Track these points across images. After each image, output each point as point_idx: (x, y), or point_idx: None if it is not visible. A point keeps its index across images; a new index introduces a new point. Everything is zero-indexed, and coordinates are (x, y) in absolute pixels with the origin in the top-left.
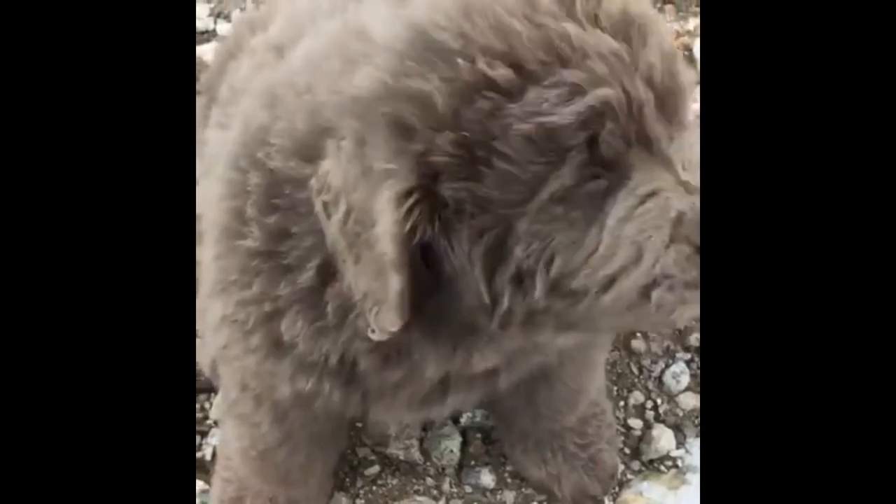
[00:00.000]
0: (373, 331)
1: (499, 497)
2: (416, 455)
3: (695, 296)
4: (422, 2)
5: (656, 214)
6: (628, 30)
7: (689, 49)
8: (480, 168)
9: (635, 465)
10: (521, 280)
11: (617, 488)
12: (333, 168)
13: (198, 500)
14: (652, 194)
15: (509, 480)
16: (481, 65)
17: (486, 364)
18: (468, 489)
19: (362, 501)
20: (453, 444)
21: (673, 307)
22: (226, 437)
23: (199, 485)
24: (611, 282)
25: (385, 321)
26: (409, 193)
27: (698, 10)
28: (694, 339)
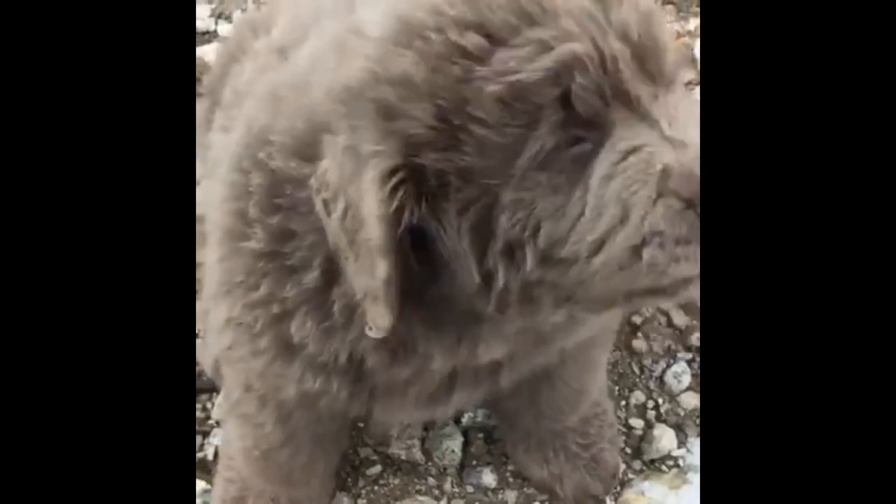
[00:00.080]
0: (370, 328)
1: (500, 497)
2: (418, 455)
3: (687, 252)
4: None
5: (640, 169)
6: None
7: (689, 49)
8: (459, 136)
9: (637, 464)
10: (512, 253)
11: (618, 488)
12: (331, 164)
13: (200, 500)
14: (634, 150)
15: (511, 480)
16: (452, 35)
17: (491, 355)
18: (470, 489)
19: (364, 501)
20: (455, 443)
21: (665, 265)
22: (228, 437)
23: (201, 485)
24: (600, 245)
25: (376, 315)
26: (393, 172)
27: (699, 10)
28: (695, 338)
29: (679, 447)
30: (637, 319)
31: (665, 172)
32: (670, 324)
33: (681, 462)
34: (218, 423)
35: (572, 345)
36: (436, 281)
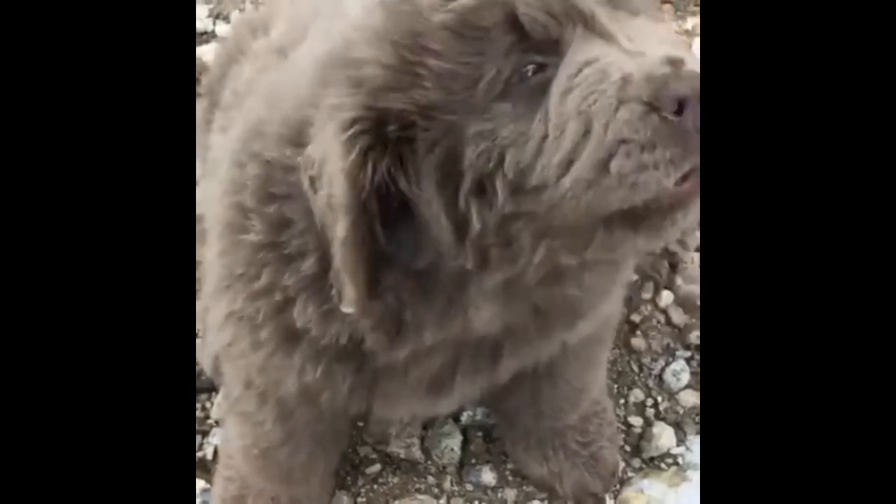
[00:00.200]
0: (342, 303)
1: (500, 495)
2: (417, 453)
3: (655, 157)
4: None
5: (598, 79)
6: None
7: (686, 48)
8: (418, 72)
9: (636, 462)
10: (483, 189)
11: (618, 486)
12: (316, 140)
13: (199, 500)
14: (590, 62)
15: (510, 478)
16: None
17: (482, 321)
18: (469, 487)
19: (363, 500)
20: (454, 442)
21: (635, 175)
22: (228, 435)
23: (201, 484)
24: (567, 164)
25: (343, 286)
26: (353, 123)
27: (696, 9)
28: (694, 336)
29: (678, 445)
30: (636, 318)
31: (624, 80)
32: (669, 322)
33: (680, 460)
34: (217, 423)
35: (574, 340)
36: (420, 250)
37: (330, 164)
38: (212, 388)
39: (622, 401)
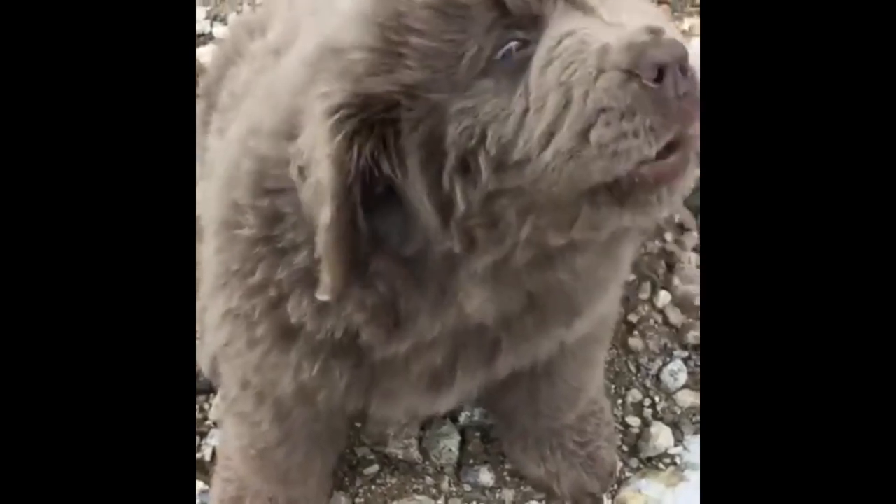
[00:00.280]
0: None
1: (498, 495)
2: (415, 454)
3: (635, 125)
4: None
5: (578, 49)
6: None
7: None
8: (402, 51)
9: (633, 462)
10: (467, 166)
11: (615, 486)
12: (305, 129)
13: (198, 501)
14: (570, 34)
15: (508, 479)
16: None
17: (475, 308)
18: (467, 488)
19: (361, 500)
20: (452, 442)
21: (615, 143)
22: (226, 436)
23: (199, 485)
24: (549, 137)
25: (323, 273)
26: (339, 108)
27: (694, 10)
28: (691, 336)
29: (676, 445)
30: (633, 318)
31: (604, 49)
32: (666, 322)
33: (677, 460)
34: (215, 424)
35: (572, 339)
36: (408, 236)
37: (317, 150)
38: (210, 390)
39: (620, 401)
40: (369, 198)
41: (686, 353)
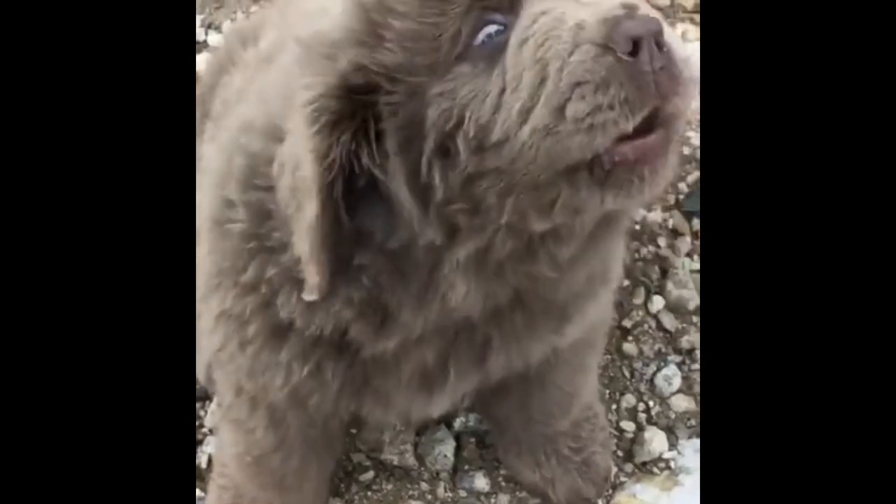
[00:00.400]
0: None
1: (493, 501)
2: (411, 460)
3: (610, 98)
4: None
5: (552, 26)
6: None
7: None
8: (383, 33)
9: (628, 467)
10: (446, 150)
11: (610, 491)
12: (288, 125)
13: None
14: (545, 12)
15: (503, 484)
16: None
17: (459, 298)
18: (462, 493)
19: None
20: (447, 448)
21: (591, 117)
22: (221, 443)
23: (196, 492)
24: (526, 115)
25: (307, 273)
26: (319, 97)
27: (686, 16)
28: (685, 341)
29: (670, 449)
30: (627, 323)
31: (579, 25)
32: (660, 327)
33: (672, 464)
34: (211, 431)
35: (564, 345)
36: (393, 230)
37: (298, 145)
38: (205, 397)
39: (614, 406)
40: (351, 193)
41: (680, 358)
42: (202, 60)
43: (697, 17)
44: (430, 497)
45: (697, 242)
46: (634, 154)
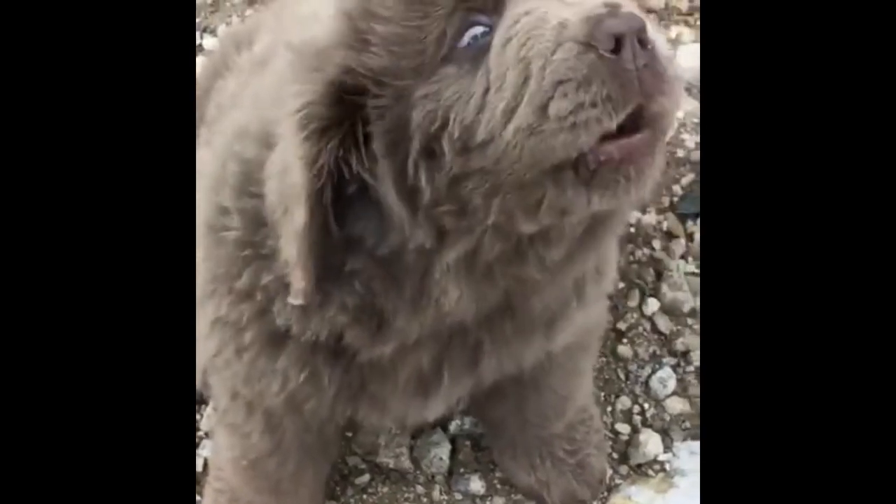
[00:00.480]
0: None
1: (488, 503)
2: (406, 463)
3: (593, 96)
4: None
5: (535, 25)
6: None
7: None
8: (368, 38)
9: (623, 469)
10: (432, 151)
11: (605, 493)
12: (279, 132)
13: None
14: (528, 12)
15: (499, 487)
16: None
17: (451, 303)
18: (458, 496)
19: None
20: (443, 451)
21: (573, 115)
22: (217, 447)
23: None
24: (510, 114)
25: (293, 280)
26: (308, 104)
27: (680, 18)
28: (679, 343)
29: (665, 451)
30: (622, 326)
31: (562, 24)
32: (655, 329)
33: (667, 466)
34: (207, 435)
35: (557, 349)
36: (384, 236)
37: (287, 151)
38: (201, 401)
39: (609, 408)
40: (341, 199)
41: (675, 360)
42: (198, 64)
43: (692, 20)
44: (425, 500)
45: (692, 245)
46: (620, 153)
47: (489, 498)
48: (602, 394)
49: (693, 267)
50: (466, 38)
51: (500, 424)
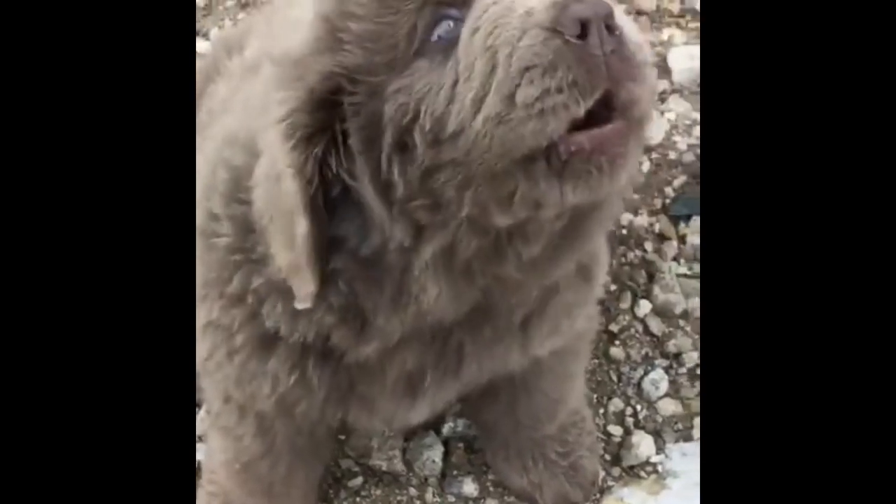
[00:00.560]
0: (297, 300)
1: None
2: (399, 465)
3: (558, 81)
4: None
5: (501, 14)
6: None
7: (663, 59)
8: (343, 37)
9: (616, 471)
10: (404, 145)
11: (598, 495)
12: (263, 140)
13: None
14: (496, 2)
15: (492, 489)
16: None
17: (431, 300)
18: (451, 498)
19: None
20: (435, 453)
21: (540, 102)
22: (210, 450)
23: None
24: (479, 104)
25: (300, 284)
26: (292, 112)
27: (672, 20)
28: (672, 345)
29: (657, 453)
30: (614, 327)
31: (528, 12)
32: (647, 331)
33: (659, 468)
34: (200, 438)
35: (544, 354)
36: (365, 236)
37: (276, 160)
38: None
39: (601, 410)
40: (326, 201)
41: (667, 362)
42: None
43: (684, 22)
44: (418, 502)
45: (684, 247)
46: (591, 143)
47: (482, 500)
48: (594, 396)
49: (685, 269)
50: (438, 32)
51: (492, 426)
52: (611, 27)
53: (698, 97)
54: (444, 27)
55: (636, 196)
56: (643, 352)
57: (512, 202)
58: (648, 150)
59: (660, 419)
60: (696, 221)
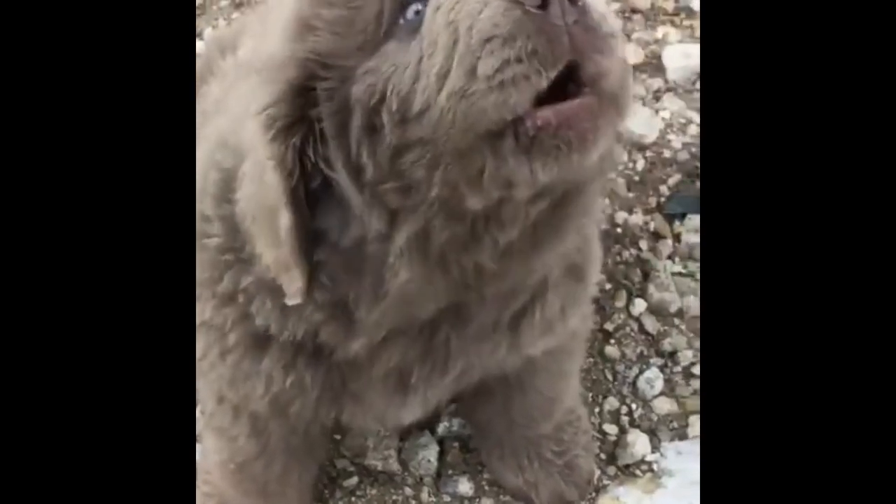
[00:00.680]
0: (287, 297)
1: None
2: (394, 465)
3: (517, 51)
4: None
5: None
6: None
7: (657, 57)
8: (315, 24)
9: (611, 470)
10: (373, 126)
11: (593, 494)
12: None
13: None
14: None
15: (487, 488)
16: None
17: (400, 284)
18: (446, 498)
19: None
20: (431, 453)
21: (501, 73)
22: (205, 450)
23: None
24: (443, 79)
25: (289, 281)
26: (269, 105)
27: (666, 18)
28: (667, 344)
29: (653, 452)
30: (609, 326)
31: None
32: (642, 330)
33: (654, 467)
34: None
35: (540, 352)
36: (347, 229)
37: (257, 154)
38: None
39: (597, 409)
40: (308, 194)
41: (662, 361)
42: None
43: (678, 20)
44: (414, 502)
45: (679, 245)
46: (557, 118)
47: (477, 499)
48: (589, 395)
49: (680, 267)
50: (406, 14)
51: (487, 425)
52: None
53: (693, 95)
54: (412, 9)
55: (631, 194)
56: (638, 350)
57: (482, 181)
58: (643, 148)
59: (655, 418)
60: (690, 220)
